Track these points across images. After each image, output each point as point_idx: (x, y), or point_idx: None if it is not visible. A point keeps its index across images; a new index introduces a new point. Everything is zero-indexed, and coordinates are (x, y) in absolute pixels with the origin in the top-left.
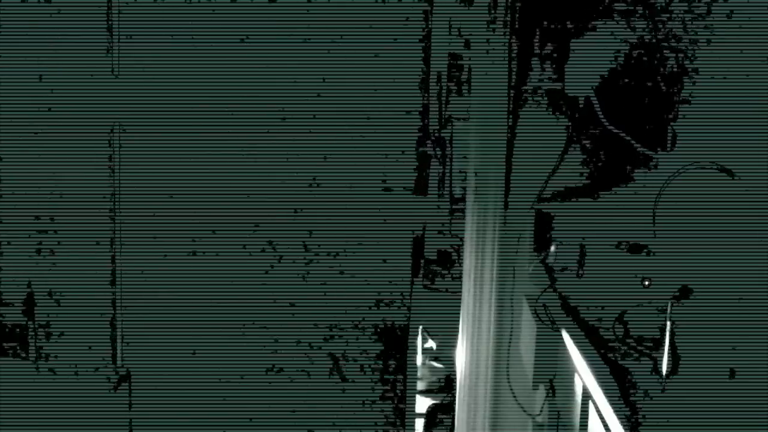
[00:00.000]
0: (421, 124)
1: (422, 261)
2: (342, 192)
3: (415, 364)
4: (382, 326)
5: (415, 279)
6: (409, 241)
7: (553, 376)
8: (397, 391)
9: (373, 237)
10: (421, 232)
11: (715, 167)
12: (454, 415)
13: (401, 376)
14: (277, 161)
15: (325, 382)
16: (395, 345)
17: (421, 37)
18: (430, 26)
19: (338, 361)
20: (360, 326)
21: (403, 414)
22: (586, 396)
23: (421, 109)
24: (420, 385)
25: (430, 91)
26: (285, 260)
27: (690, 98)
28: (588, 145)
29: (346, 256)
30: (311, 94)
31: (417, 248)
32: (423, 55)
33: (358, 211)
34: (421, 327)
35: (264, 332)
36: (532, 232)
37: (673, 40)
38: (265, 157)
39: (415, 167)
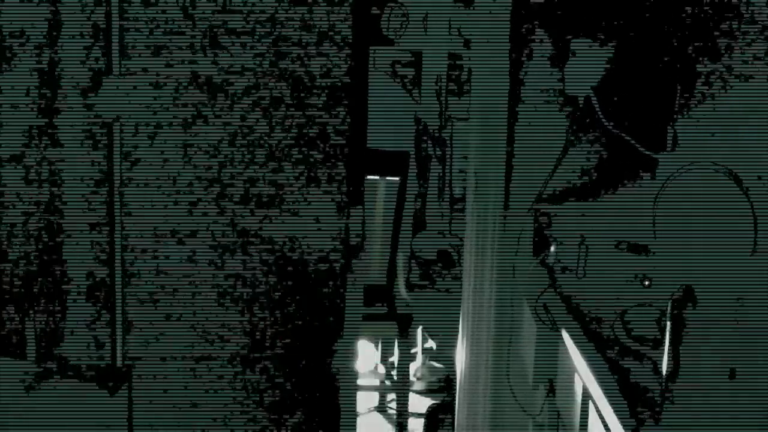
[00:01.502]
0: (349, 133)
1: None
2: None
3: (352, 368)
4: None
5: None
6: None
7: (553, 376)
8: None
9: (310, 244)
10: (360, 241)
11: (716, 168)
12: (454, 415)
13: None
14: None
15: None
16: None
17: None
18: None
19: None
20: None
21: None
22: (586, 396)
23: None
24: (420, 385)
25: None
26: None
27: (690, 98)
28: (588, 145)
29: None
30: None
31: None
32: (351, 51)
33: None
34: (420, 327)
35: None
36: (532, 232)
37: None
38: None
39: (345, 177)
